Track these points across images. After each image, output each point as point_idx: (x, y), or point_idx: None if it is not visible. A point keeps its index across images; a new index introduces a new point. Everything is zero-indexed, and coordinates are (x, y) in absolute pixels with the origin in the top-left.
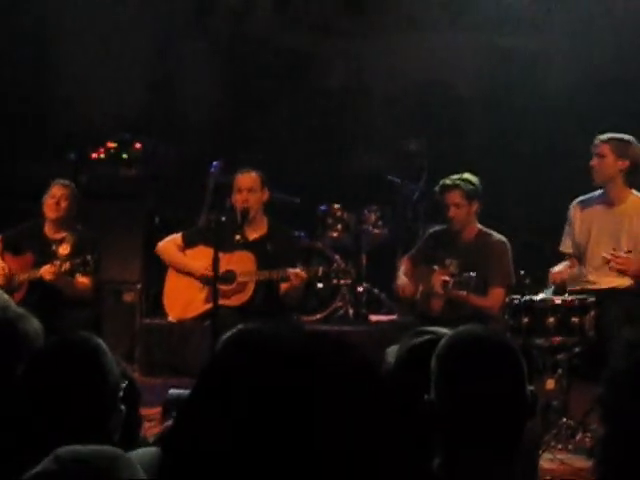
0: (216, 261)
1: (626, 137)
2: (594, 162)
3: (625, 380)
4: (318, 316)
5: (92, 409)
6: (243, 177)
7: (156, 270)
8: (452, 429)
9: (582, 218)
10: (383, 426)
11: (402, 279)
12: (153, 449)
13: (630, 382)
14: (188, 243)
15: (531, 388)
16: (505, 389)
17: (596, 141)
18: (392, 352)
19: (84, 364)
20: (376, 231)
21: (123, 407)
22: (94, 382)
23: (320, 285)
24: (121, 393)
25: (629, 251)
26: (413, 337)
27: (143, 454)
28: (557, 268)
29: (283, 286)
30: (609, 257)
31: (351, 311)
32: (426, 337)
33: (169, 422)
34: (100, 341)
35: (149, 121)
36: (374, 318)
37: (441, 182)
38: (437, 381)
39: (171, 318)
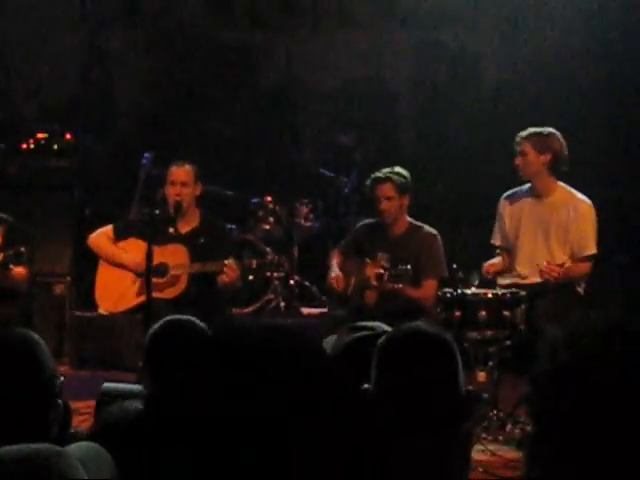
0: (150, 255)
1: (546, 130)
2: (518, 160)
3: (550, 381)
4: (250, 309)
5: (30, 404)
6: (177, 170)
7: (87, 262)
8: (389, 418)
9: (511, 212)
10: (336, 414)
11: (335, 271)
12: (91, 444)
13: (554, 383)
14: (119, 235)
15: (470, 388)
16: (439, 381)
17: (517, 139)
18: (328, 344)
19: (21, 359)
20: (308, 224)
21: (60, 402)
22: (31, 376)
23: (251, 277)
24: (57, 388)
25: (562, 264)
26: (350, 332)
27: (80, 448)
28: (491, 261)
29: (221, 279)
30: (544, 269)
31: (283, 304)
32: (363, 333)
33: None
34: (37, 336)
35: (80, 112)
36: (306, 311)
37: (372, 175)
38: (376, 371)
39: (102, 311)
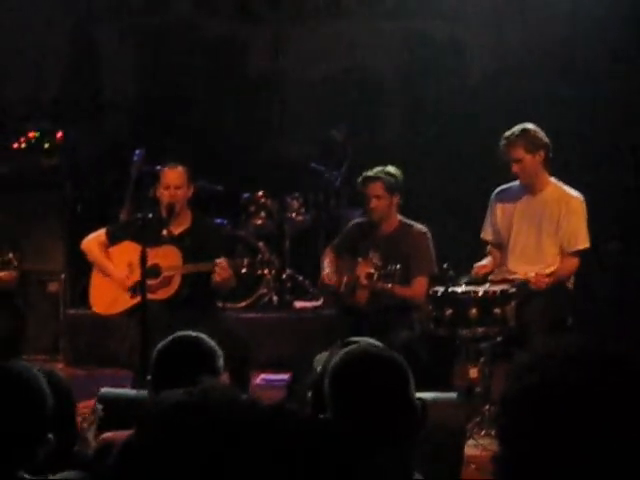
0: (144, 259)
1: (527, 128)
2: (515, 168)
3: (517, 405)
4: (243, 304)
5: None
6: (170, 172)
7: (81, 260)
8: (349, 442)
9: (503, 207)
10: None
11: (327, 269)
12: (72, 474)
13: (521, 407)
14: (113, 239)
15: (420, 396)
16: (393, 400)
17: (503, 142)
18: (320, 361)
19: (21, 393)
20: (299, 218)
21: (51, 436)
22: (27, 412)
23: (244, 271)
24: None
25: (551, 273)
26: (341, 349)
27: None
28: (482, 262)
29: (214, 278)
30: (533, 281)
31: (275, 298)
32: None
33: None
34: (36, 371)
35: (69, 109)
36: (298, 305)
37: (363, 174)
38: (331, 399)
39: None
